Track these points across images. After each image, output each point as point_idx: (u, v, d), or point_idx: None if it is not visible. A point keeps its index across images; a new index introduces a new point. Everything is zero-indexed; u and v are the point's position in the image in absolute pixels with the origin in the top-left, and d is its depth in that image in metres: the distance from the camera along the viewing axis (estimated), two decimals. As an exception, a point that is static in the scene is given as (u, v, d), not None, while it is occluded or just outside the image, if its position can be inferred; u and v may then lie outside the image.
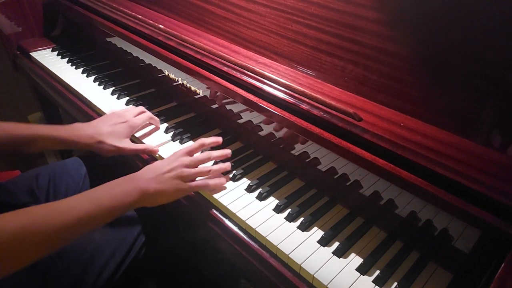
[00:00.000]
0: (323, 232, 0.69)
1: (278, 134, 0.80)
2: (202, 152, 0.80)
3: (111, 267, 0.78)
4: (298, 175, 0.82)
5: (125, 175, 0.69)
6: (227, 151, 0.80)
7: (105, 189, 0.65)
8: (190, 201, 0.78)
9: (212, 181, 0.74)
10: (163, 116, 0.99)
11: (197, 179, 0.75)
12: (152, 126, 0.95)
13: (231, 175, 0.80)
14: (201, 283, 0.96)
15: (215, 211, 0.75)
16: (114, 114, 0.89)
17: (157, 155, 0.87)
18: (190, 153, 0.75)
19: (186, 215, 0.81)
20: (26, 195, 0.89)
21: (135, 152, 0.86)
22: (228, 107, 0.88)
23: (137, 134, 0.92)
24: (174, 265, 0.93)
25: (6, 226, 0.52)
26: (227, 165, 0.78)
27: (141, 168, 0.72)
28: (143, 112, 0.93)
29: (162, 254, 0.91)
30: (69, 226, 0.57)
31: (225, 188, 0.77)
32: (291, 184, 0.81)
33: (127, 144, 0.85)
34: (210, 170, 0.75)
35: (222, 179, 0.76)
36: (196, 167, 0.74)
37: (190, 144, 0.89)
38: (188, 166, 0.72)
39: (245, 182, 0.79)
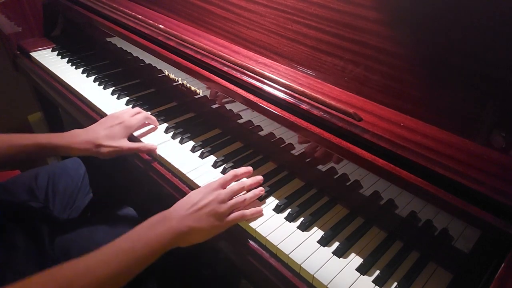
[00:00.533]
0: (323, 232, 0.69)
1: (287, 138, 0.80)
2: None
3: None
4: (298, 175, 0.82)
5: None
6: (260, 178, 0.76)
7: (138, 236, 0.60)
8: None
9: (249, 212, 0.70)
10: (163, 116, 0.99)
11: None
12: (151, 126, 0.95)
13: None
14: (201, 283, 0.96)
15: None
16: (109, 116, 0.89)
17: (158, 155, 0.87)
18: (224, 185, 0.71)
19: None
20: (26, 194, 0.89)
21: (133, 150, 0.86)
22: (228, 107, 0.89)
23: (136, 134, 0.92)
24: (175, 265, 0.93)
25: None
26: (260, 190, 0.74)
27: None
28: (139, 112, 0.93)
29: (163, 255, 0.91)
30: (106, 281, 0.54)
31: (261, 215, 0.72)
32: (291, 184, 0.81)
33: (125, 143, 0.84)
34: (245, 200, 0.70)
35: (258, 208, 0.72)
36: (231, 198, 0.70)
37: (191, 143, 0.89)
38: (223, 200, 0.68)
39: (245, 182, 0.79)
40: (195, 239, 0.64)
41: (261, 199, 0.75)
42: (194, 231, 0.63)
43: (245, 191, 0.73)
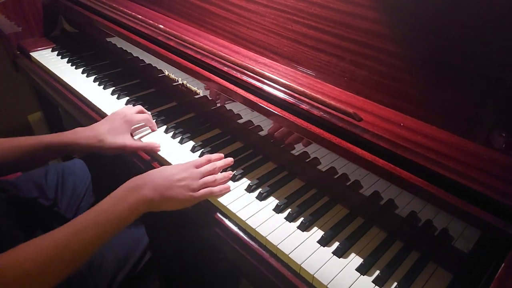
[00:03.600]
0: (323, 232, 0.69)
1: (286, 137, 0.80)
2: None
3: (116, 268, 0.79)
4: (298, 175, 0.82)
5: (127, 176, 0.69)
6: (230, 160, 0.82)
7: (112, 203, 0.65)
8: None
9: (217, 188, 0.75)
10: (163, 116, 0.99)
11: None
12: (148, 129, 0.95)
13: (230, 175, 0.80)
14: (201, 283, 0.96)
15: (215, 211, 0.75)
16: (112, 113, 0.91)
17: (158, 155, 0.87)
18: (197, 166, 0.76)
19: (186, 215, 0.81)
20: (35, 190, 0.90)
21: (136, 149, 0.87)
22: (228, 107, 0.89)
23: (136, 137, 0.92)
24: (175, 265, 0.93)
25: (35, 255, 0.55)
26: (229, 173, 0.80)
27: (142, 169, 0.72)
28: (142, 111, 0.93)
29: (163, 254, 0.91)
30: (87, 247, 0.60)
31: (229, 191, 0.77)
32: (291, 184, 0.81)
33: (128, 140, 0.86)
34: (215, 180, 0.76)
35: (226, 185, 0.77)
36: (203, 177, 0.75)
37: (191, 143, 0.90)
38: (196, 178, 0.73)
39: (245, 182, 0.80)
40: (167, 207, 0.70)
41: (235, 180, 0.80)
42: (166, 200, 0.69)
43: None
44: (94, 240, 0.60)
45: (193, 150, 0.88)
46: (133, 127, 0.90)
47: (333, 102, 0.67)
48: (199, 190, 0.73)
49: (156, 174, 0.71)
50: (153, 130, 0.94)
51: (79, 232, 0.59)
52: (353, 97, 0.72)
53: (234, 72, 0.79)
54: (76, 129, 0.85)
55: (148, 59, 1.06)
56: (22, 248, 0.55)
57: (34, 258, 0.55)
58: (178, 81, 0.97)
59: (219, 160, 0.81)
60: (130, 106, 0.97)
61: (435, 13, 0.63)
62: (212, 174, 0.76)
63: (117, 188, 0.67)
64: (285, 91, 0.73)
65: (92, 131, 0.84)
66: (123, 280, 0.80)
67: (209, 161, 0.79)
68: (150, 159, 0.89)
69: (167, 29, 0.95)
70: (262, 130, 0.84)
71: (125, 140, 0.85)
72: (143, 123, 0.94)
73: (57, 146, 0.81)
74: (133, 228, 0.86)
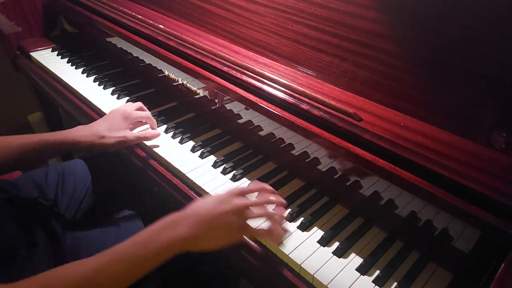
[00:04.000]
0: (323, 232, 0.69)
1: (282, 136, 0.80)
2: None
3: None
4: (298, 175, 0.82)
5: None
6: (284, 202, 0.69)
7: (150, 237, 0.58)
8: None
9: (277, 229, 0.63)
10: (163, 116, 0.99)
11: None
12: (148, 126, 0.95)
13: (230, 176, 0.80)
14: (201, 282, 0.96)
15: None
16: (111, 111, 0.91)
17: (158, 155, 0.87)
18: (245, 193, 0.64)
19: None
20: (35, 190, 0.90)
21: (137, 139, 0.87)
22: (228, 107, 0.88)
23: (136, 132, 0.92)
24: (175, 264, 0.93)
25: (60, 285, 0.51)
26: (284, 214, 0.69)
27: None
28: (142, 108, 0.93)
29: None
30: (117, 280, 0.55)
31: (284, 235, 0.67)
32: (291, 184, 0.81)
33: (128, 133, 0.87)
34: (273, 214, 0.64)
35: (283, 228, 0.67)
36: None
37: (191, 143, 0.89)
38: (241, 210, 0.61)
39: (245, 182, 0.80)
40: (205, 247, 0.60)
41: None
42: (202, 240, 0.59)
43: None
44: (122, 276, 0.55)
45: (193, 150, 0.88)
46: (132, 125, 0.91)
47: (333, 102, 0.67)
48: (244, 226, 0.61)
49: (194, 209, 0.61)
50: (153, 128, 0.95)
51: (108, 264, 0.54)
52: (353, 97, 0.72)
53: (234, 72, 0.79)
54: (76, 127, 0.86)
55: (148, 59, 1.06)
56: (45, 276, 0.51)
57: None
58: (178, 81, 0.97)
59: (271, 191, 0.68)
60: (130, 103, 0.97)
61: (435, 13, 0.63)
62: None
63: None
64: (285, 91, 0.73)
65: (93, 129, 0.84)
66: None
67: (261, 190, 0.67)
68: (146, 156, 0.88)
69: (167, 29, 0.95)
70: (262, 130, 0.84)
71: (125, 133, 0.86)
72: (143, 121, 0.94)
73: (58, 144, 0.82)
74: (132, 227, 0.86)
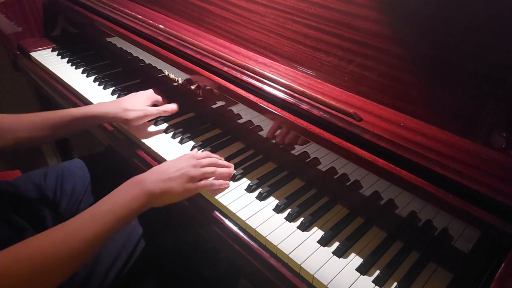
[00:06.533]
0: (323, 232, 0.69)
1: (286, 137, 0.80)
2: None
3: (116, 267, 0.79)
4: (298, 175, 0.82)
5: (127, 178, 0.69)
6: (232, 166, 0.81)
7: (114, 199, 0.65)
8: (190, 201, 0.78)
9: (218, 181, 0.76)
10: (163, 116, 0.99)
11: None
12: (153, 127, 0.95)
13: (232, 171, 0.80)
14: (201, 283, 0.96)
15: (215, 211, 0.75)
16: (132, 93, 0.97)
17: (159, 155, 0.87)
18: (197, 157, 0.76)
19: (186, 215, 0.81)
20: (34, 192, 0.90)
21: (158, 113, 0.94)
22: (228, 107, 0.89)
23: (138, 135, 0.92)
24: (174, 265, 0.93)
25: (32, 254, 0.54)
26: (231, 170, 0.80)
27: (141, 169, 0.72)
28: (158, 99, 0.99)
29: (162, 254, 0.91)
30: (89, 243, 0.58)
31: (228, 186, 0.78)
32: (291, 184, 0.81)
33: (148, 108, 0.93)
34: (215, 171, 0.76)
35: (226, 181, 0.78)
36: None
37: (190, 143, 0.90)
38: (195, 166, 0.73)
39: (245, 182, 0.80)
40: (168, 200, 0.70)
41: (235, 180, 0.80)
42: (165, 192, 0.68)
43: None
44: (94, 237, 0.59)
45: (193, 150, 0.87)
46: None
47: (333, 102, 0.67)
48: (199, 180, 0.73)
49: (155, 169, 0.71)
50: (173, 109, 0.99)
51: (78, 229, 0.58)
52: (353, 97, 0.72)
53: (234, 72, 0.79)
54: (100, 102, 0.93)
55: (148, 59, 1.06)
56: (18, 247, 0.54)
57: (30, 257, 0.53)
58: (178, 81, 0.98)
59: (219, 159, 0.81)
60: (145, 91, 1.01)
61: (435, 13, 0.63)
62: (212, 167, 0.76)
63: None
64: (285, 91, 0.73)
65: (117, 102, 0.92)
66: (118, 279, 0.79)
67: (208, 155, 0.79)
68: (150, 159, 0.88)
69: (167, 29, 0.95)
70: (262, 130, 0.84)
71: (146, 108, 0.93)
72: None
73: (87, 118, 0.87)
74: (130, 227, 0.86)
